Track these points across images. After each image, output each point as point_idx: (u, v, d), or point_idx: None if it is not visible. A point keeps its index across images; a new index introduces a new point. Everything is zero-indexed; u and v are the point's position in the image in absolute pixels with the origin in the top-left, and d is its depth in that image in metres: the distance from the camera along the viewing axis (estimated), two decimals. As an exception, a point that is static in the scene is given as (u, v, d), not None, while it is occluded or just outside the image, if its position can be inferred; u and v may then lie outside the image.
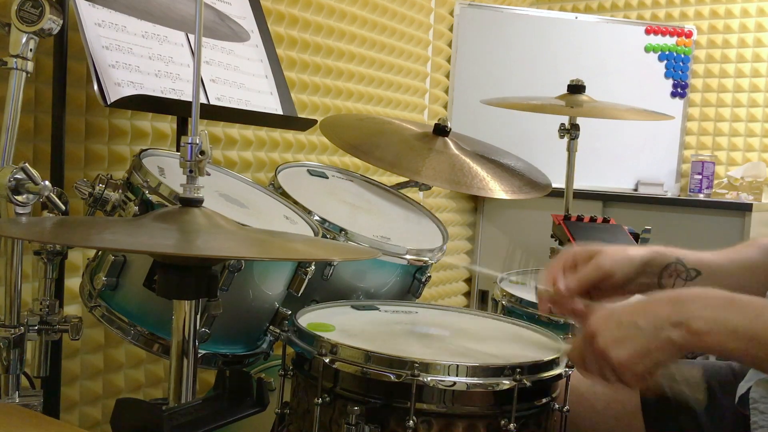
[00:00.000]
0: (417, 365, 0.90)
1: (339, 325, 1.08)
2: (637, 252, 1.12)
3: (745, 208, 2.59)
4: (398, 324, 1.15)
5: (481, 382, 0.92)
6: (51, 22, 1.06)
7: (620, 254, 1.10)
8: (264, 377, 1.23)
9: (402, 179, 1.70)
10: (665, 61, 3.06)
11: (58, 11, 1.07)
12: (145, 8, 1.24)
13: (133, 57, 1.38)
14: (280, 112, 1.69)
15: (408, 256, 1.38)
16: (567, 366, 1.00)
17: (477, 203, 3.07)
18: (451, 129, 1.71)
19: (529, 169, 1.78)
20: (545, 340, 1.13)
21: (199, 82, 0.93)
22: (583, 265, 1.09)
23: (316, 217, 1.33)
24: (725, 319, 0.86)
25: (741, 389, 1.08)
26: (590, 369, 0.93)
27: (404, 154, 1.62)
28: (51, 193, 1.05)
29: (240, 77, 1.62)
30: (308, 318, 1.11)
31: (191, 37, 1.52)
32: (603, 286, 1.11)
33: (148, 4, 1.21)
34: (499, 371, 0.93)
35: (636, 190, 3.02)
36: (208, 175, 1.24)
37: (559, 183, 1.89)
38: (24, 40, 1.06)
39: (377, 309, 1.23)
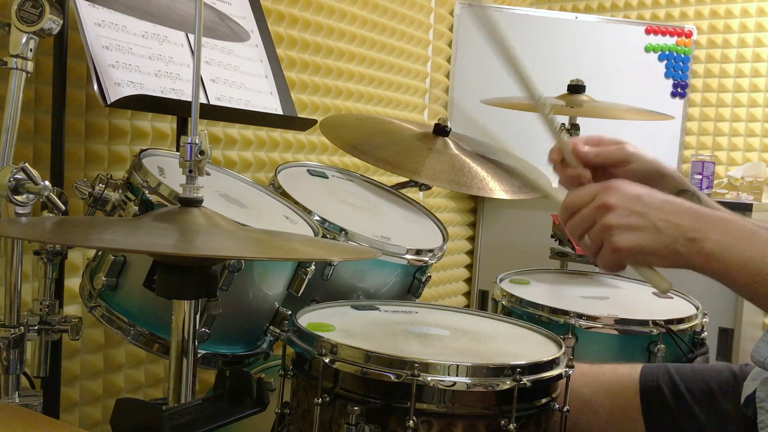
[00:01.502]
0: (417, 365, 0.90)
1: (339, 325, 1.08)
2: (661, 161, 1.11)
3: (745, 208, 2.59)
4: (398, 324, 1.15)
5: (481, 382, 0.92)
6: (51, 22, 1.06)
7: (645, 152, 1.09)
8: (264, 377, 1.23)
9: (402, 179, 1.70)
10: (665, 61, 3.06)
11: (58, 11, 1.07)
12: (145, 8, 1.24)
13: (133, 57, 1.38)
14: (280, 112, 1.69)
15: (408, 256, 1.38)
16: (567, 366, 1.00)
17: (477, 203, 3.07)
18: (451, 129, 1.71)
19: (529, 170, 1.77)
20: (545, 340, 1.13)
21: (199, 82, 0.93)
22: (607, 144, 1.07)
23: (316, 217, 1.33)
24: (740, 248, 0.86)
25: (747, 389, 1.08)
26: (576, 226, 0.91)
27: (404, 154, 1.62)
28: (51, 193, 1.05)
29: (240, 77, 1.62)
30: (308, 318, 1.11)
31: (191, 37, 1.52)
32: (617, 173, 1.07)
33: (148, 4, 1.21)
34: (499, 371, 0.93)
35: (636, 190, 3.02)
36: (208, 175, 1.24)
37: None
38: (24, 40, 1.06)
39: (377, 309, 1.23)
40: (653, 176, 1.09)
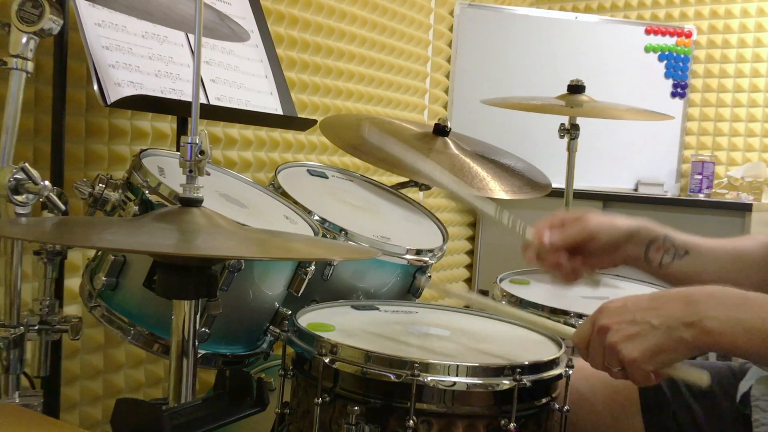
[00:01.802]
0: (417, 365, 0.90)
1: (339, 325, 1.08)
2: (624, 221, 1.15)
3: (745, 208, 2.59)
4: (398, 324, 1.15)
5: (481, 382, 0.92)
6: (51, 22, 1.06)
7: (606, 219, 1.13)
8: (264, 377, 1.23)
9: (402, 179, 1.70)
10: (665, 61, 3.06)
11: (58, 11, 1.07)
12: (146, 8, 1.24)
13: (133, 57, 1.38)
14: (280, 112, 1.69)
15: (408, 256, 1.38)
16: (567, 366, 1.00)
17: (477, 203, 3.07)
18: (451, 129, 1.71)
19: (529, 169, 1.78)
20: (545, 340, 1.13)
21: (199, 82, 0.93)
22: (570, 225, 1.12)
23: (316, 217, 1.33)
24: (738, 318, 0.86)
25: (742, 388, 1.08)
26: (595, 359, 0.93)
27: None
28: (51, 193, 1.05)
29: (240, 77, 1.62)
30: (308, 318, 1.11)
31: (191, 37, 1.52)
32: (588, 248, 1.13)
33: (148, 5, 1.21)
34: (499, 371, 0.93)
35: (636, 190, 3.02)
36: (208, 175, 1.24)
37: (559, 183, 1.89)
38: (24, 40, 1.06)
39: (377, 309, 1.23)
40: (621, 240, 1.14)
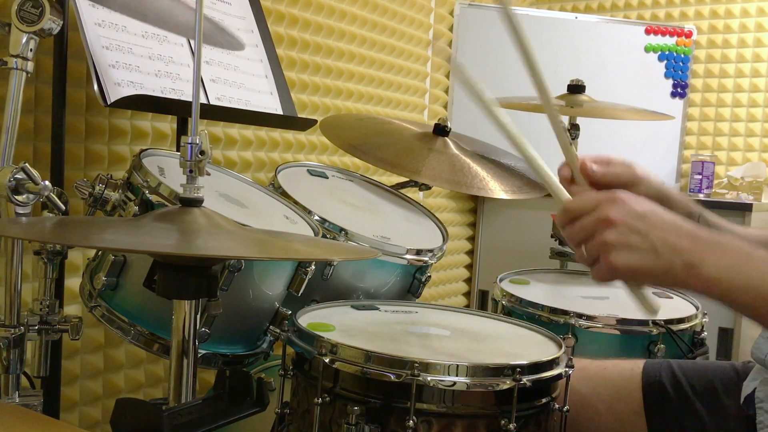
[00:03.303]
0: (417, 365, 0.90)
1: (339, 325, 1.08)
2: (668, 187, 1.10)
3: (745, 208, 2.59)
4: (398, 324, 1.15)
5: (481, 382, 0.92)
6: (51, 22, 1.06)
7: (654, 176, 1.08)
8: (264, 377, 1.23)
9: (402, 179, 1.70)
10: (665, 61, 3.06)
11: (58, 11, 1.07)
12: (144, 12, 1.24)
13: (133, 57, 1.38)
14: (280, 112, 1.69)
15: (408, 256, 1.38)
16: (567, 366, 1.00)
17: (477, 203, 3.07)
18: (451, 129, 1.71)
19: (529, 169, 1.78)
20: (545, 340, 1.13)
21: (199, 82, 0.92)
22: (617, 164, 1.06)
23: (316, 217, 1.33)
24: (739, 271, 0.85)
25: (746, 389, 1.08)
26: (575, 234, 0.90)
27: (404, 154, 1.62)
28: (51, 193, 1.05)
29: (240, 77, 1.62)
30: (308, 318, 1.11)
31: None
32: None
33: (148, 8, 1.21)
34: (499, 371, 0.93)
35: (636, 190, 3.02)
36: (208, 175, 1.24)
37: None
38: (24, 40, 1.06)
39: (377, 309, 1.23)
40: (658, 200, 1.09)
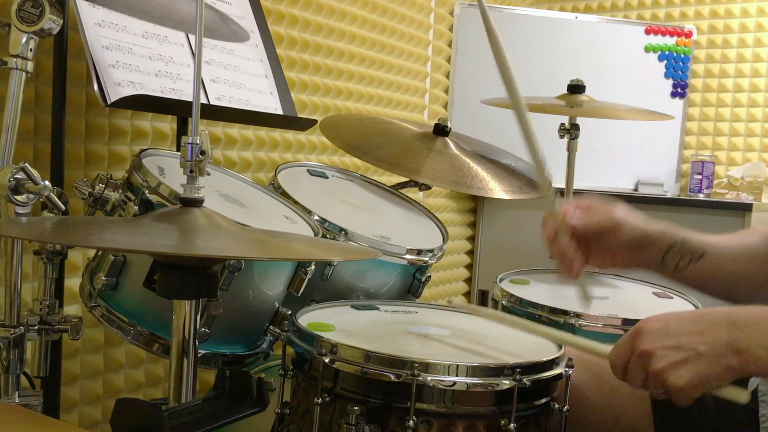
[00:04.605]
0: (417, 365, 0.90)
1: (339, 325, 1.08)
2: (649, 224, 1.12)
3: (745, 208, 2.59)
4: (398, 324, 1.15)
5: (481, 382, 0.92)
6: (51, 22, 1.06)
7: (633, 217, 1.10)
8: (264, 377, 1.23)
9: (402, 179, 1.70)
10: (665, 61, 3.06)
11: (58, 11, 1.07)
12: (145, 8, 1.24)
13: (133, 57, 1.38)
14: (280, 112, 1.69)
15: (408, 256, 1.38)
16: (567, 366, 1.00)
17: (477, 203, 3.07)
18: (451, 129, 1.71)
19: (529, 169, 1.78)
20: (545, 340, 1.13)
21: (199, 82, 0.92)
22: (597, 211, 1.08)
23: (316, 217, 1.33)
24: None
25: (752, 384, 1.08)
26: (635, 381, 0.91)
27: (404, 154, 1.62)
28: (51, 193, 1.05)
29: (240, 77, 1.62)
30: (308, 318, 1.11)
31: (191, 37, 1.52)
32: (607, 242, 1.09)
33: (148, 4, 1.21)
34: (499, 371, 0.93)
35: (636, 190, 3.02)
36: (208, 175, 1.24)
37: (559, 183, 1.89)
38: (24, 40, 1.06)
39: (377, 309, 1.23)
40: (641, 242, 1.11)
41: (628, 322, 1.37)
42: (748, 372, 0.88)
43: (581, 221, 1.06)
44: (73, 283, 1.51)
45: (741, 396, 0.92)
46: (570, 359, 1.02)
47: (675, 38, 3.06)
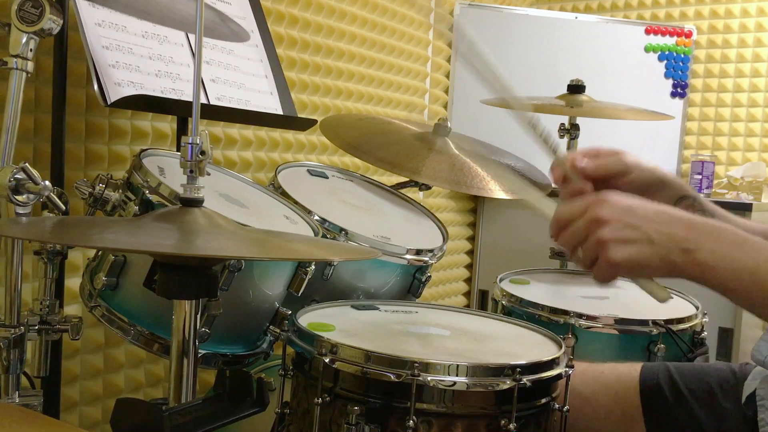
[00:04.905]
0: (417, 365, 0.90)
1: (339, 325, 1.08)
2: (661, 169, 1.11)
3: (745, 208, 2.59)
4: (398, 324, 1.15)
5: (481, 382, 0.92)
6: (51, 22, 1.06)
7: (643, 161, 1.08)
8: (264, 377, 1.23)
9: (402, 179, 1.70)
10: (665, 61, 3.06)
11: (58, 11, 1.07)
12: (145, 8, 1.24)
13: (133, 57, 1.38)
14: (280, 112, 1.69)
15: (408, 256, 1.38)
16: (567, 366, 1.00)
17: (477, 203, 3.07)
18: (451, 129, 1.71)
19: (529, 169, 1.78)
20: (545, 340, 1.13)
21: (199, 82, 0.93)
22: (606, 155, 1.07)
23: (316, 217, 1.33)
24: (733, 258, 0.86)
25: (747, 389, 1.08)
26: (570, 239, 0.91)
27: (404, 154, 1.62)
28: (51, 193, 1.05)
29: (240, 77, 1.62)
30: (308, 318, 1.11)
31: (191, 37, 1.52)
32: (617, 185, 1.07)
33: (148, 4, 1.21)
34: (499, 371, 0.93)
35: (636, 190, 3.02)
36: (208, 175, 1.24)
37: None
38: (24, 40, 1.06)
39: (377, 309, 1.23)
40: (653, 185, 1.09)
41: (627, 322, 1.37)
42: (688, 274, 0.88)
43: (591, 164, 1.04)
44: (73, 283, 1.51)
45: (661, 293, 0.93)
46: (570, 359, 1.02)
47: (675, 38, 3.06)
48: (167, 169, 1.21)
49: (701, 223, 0.90)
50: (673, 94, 3.09)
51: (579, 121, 1.92)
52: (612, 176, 1.06)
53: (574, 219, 0.91)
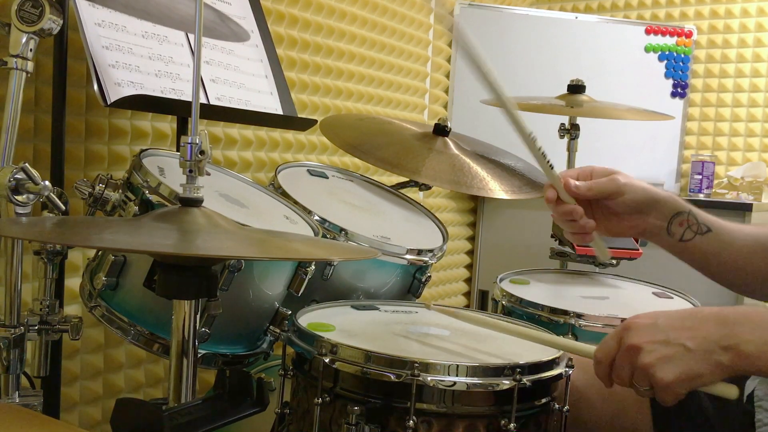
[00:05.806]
0: (417, 365, 0.90)
1: (339, 325, 1.08)
2: (654, 188, 1.11)
3: (745, 208, 2.59)
4: (398, 324, 1.15)
5: (481, 382, 0.92)
6: (51, 22, 1.06)
7: (636, 181, 1.09)
8: (264, 377, 1.23)
9: (402, 179, 1.70)
10: (665, 61, 3.06)
11: (58, 11, 1.07)
12: (144, 8, 1.24)
13: (133, 57, 1.38)
14: (280, 112, 1.69)
15: (408, 256, 1.38)
16: (567, 365, 1.00)
17: (477, 203, 3.07)
18: (451, 129, 1.71)
19: (529, 169, 1.78)
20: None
21: (199, 82, 0.92)
22: (599, 176, 1.07)
23: (316, 217, 1.33)
24: None
25: (749, 387, 1.08)
26: (621, 376, 0.91)
27: (404, 154, 1.62)
28: (51, 193, 1.05)
29: (240, 77, 1.62)
30: (308, 318, 1.11)
31: (191, 37, 1.52)
32: (611, 206, 1.07)
33: (147, 4, 1.21)
34: (499, 371, 0.93)
35: (636, 190, 3.02)
36: (208, 175, 1.24)
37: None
38: (24, 40, 1.06)
39: (377, 309, 1.23)
40: (646, 204, 1.10)
41: (628, 322, 1.37)
42: (739, 369, 0.87)
43: (584, 186, 1.04)
44: (73, 283, 1.51)
45: (730, 392, 0.91)
46: (570, 359, 1.02)
47: (675, 38, 3.06)
48: (167, 169, 1.21)
49: (732, 314, 0.88)
50: (674, 94, 3.09)
51: (579, 121, 1.92)
52: (605, 197, 1.07)
53: (613, 355, 0.91)
